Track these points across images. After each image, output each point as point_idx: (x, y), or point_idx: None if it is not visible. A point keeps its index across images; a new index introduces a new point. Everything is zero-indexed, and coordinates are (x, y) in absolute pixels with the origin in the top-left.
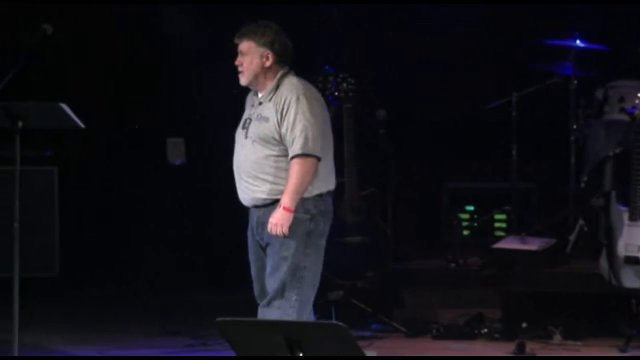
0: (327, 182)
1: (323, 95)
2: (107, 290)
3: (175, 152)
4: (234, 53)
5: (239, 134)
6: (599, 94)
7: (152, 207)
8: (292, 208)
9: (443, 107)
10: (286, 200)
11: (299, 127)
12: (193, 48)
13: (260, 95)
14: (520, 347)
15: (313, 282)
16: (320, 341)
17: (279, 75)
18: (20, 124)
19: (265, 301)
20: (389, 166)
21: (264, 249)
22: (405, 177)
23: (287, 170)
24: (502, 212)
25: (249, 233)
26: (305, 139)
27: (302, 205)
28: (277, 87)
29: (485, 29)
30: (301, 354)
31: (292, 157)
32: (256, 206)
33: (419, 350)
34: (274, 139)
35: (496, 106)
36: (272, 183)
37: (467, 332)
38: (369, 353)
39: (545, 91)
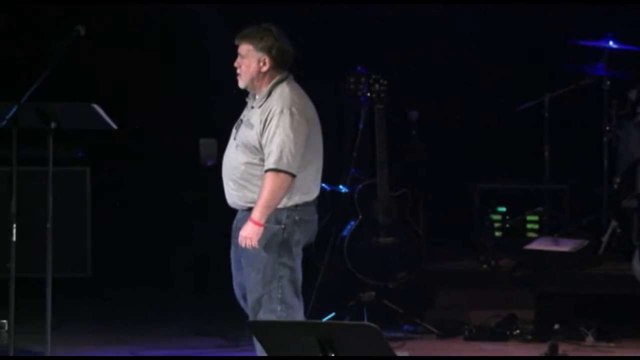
0: (305, 194)
1: (355, 95)
2: (140, 290)
3: (208, 152)
4: (236, 54)
5: (232, 133)
6: (632, 94)
7: (184, 208)
8: (262, 222)
9: (475, 108)
10: (256, 214)
11: (276, 141)
12: (226, 48)
13: (256, 98)
14: (553, 349)
15: (292, 289)
16: (352, 342)
17: (273, 82)
18: (53, 124)
19: (251, 315)
20: (421, 167)
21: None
22: (437, 178)
23: (258, 178)
24: (534, 214)
25: (232, 233)
26: (280, 154)
27: (274, 215)
28: (269, 94)
29: (517, 29)
30: (333, 355)
31: (266, 171)
32: (239, 210)
33: (451, 351)
34: (255, 147)
35: (528, 107)
36: (248, 190)
37: (499, 334)
38: (400, 354)
39: (578, 92)
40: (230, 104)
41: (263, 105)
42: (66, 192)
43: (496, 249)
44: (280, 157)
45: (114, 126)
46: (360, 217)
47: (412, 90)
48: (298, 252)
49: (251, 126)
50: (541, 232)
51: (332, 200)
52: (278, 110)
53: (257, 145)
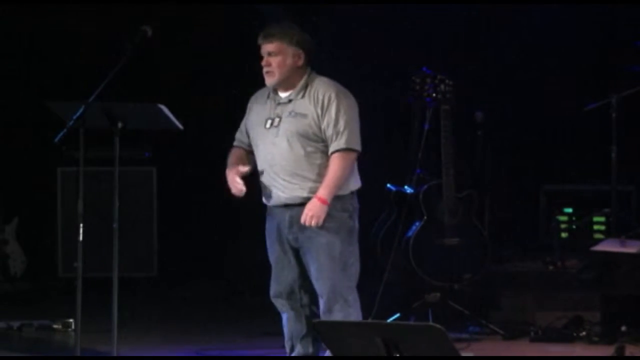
0: (357, 181)
1: (420, 97)
2: (206, 289)
3: None
4: (257, 54)
5: (264, 133)
6: None
7: (250, 207)
8: (329, 201)
9: (541, 109)
10: (324, 192)
11: (342, 122)
12: None
13: (285, 94)
14: (620, 351)
15: (357, 278)
16: (417, 343)
17: (307, 75)
18: (119, 124)
19: (324, 307)
20: (487, 168)
21: (294, 249)
22: (503, 179)
23: (325, 167)
24: (601, 215)
25: (272, 233)
26: (350, 133)
27: (341, 203)
28: (307, 84)
29: (585, 30)
30: (398, 355)
31: (336, 151)
32: (288, 205)
33: (517, 352)
34: (314, 134)
35: (595, 108)
36: (313, 181)
37: (565, 335)
38: (465, 354)
39: None
40: None
41: (307, 94)
42: (133, 192)
43: (562, 250)
44: (350, 137)
45: (180, 127)
46: (425, 217)
47: (478, 91)
48: (357, 241)
49: (303, 116)
50: (608, 234)
51: (397, 201)
52: (334, 94)
53: (317, 132)
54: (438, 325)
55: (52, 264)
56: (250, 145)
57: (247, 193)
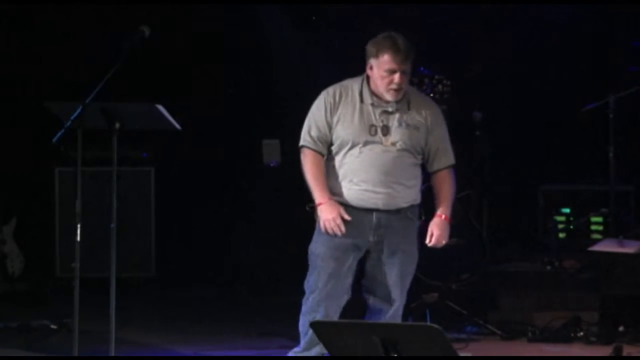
0: None
1: None
2: (204, 290)
3: (271, 153)
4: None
5: (370, 139)
6: None
7: (248, 208)
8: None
9: (539, 109)
10: (447, 211)
11: (447, 137)
12: (290, 49)
13: (388, 102)
14: (618, 351)
15: None
16: (415, 343)
17: None
18: (117, 125)
19: (394, 311)
20: (485, 168)
21: (364, 250)
22: (501, 179)
23: (419, 179)
24: (599, 215)
25: (347, 232)
26: (451, 148)
27: (417, 211)
28: (407, 95)
29: (583, 30)
30: (396, 355)
31: (446, 167)
32: (377, 210)
33: (514, 353)
34: (420, 147)
35: (593, 108)
36: (413, 190)
37: (563, 335)
38: (463, 354)
39: None
40: (295, 106)
41: (412, 107)
42: (131, 192)
43: (560, 250)
44: (452, 152)
45: (178, 127)
46: (423, 218)
47: (477, 90)
48: None
49: (416, 128)
50: (605, 234)
51: None
52: (439, 109)
53: (424, 146)
54: (436, 326)
55: (50, 264)
56: (329, 145)
57: (245, 193)
